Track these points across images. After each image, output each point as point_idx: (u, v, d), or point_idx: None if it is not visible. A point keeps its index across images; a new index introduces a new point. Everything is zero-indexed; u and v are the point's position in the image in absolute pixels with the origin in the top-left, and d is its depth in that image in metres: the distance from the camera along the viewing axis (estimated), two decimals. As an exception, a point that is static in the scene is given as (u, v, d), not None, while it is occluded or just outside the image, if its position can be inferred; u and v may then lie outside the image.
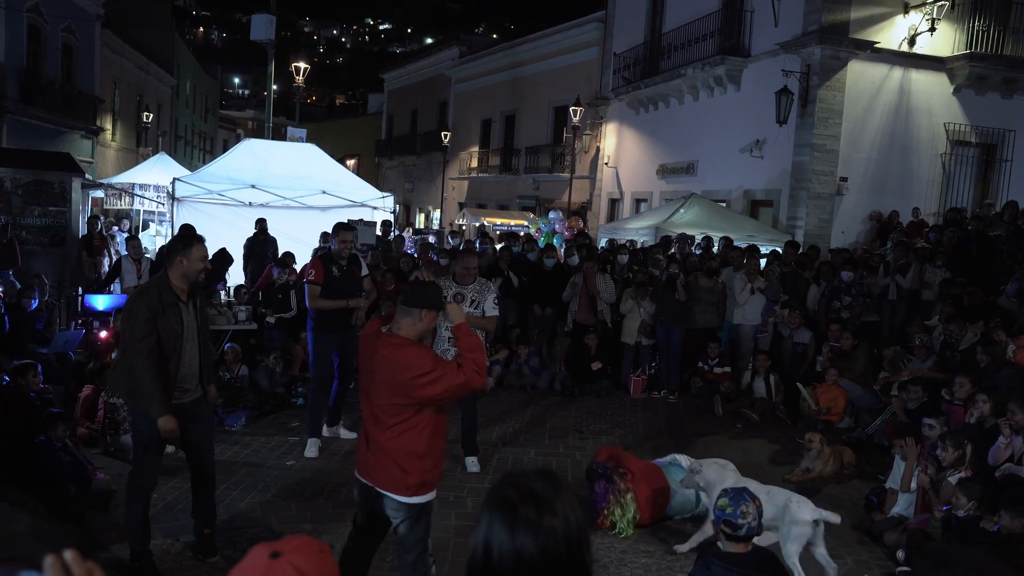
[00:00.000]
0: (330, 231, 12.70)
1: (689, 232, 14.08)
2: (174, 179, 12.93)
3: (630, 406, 9.90)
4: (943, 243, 11.89)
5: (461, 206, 33.08)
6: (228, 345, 9.25)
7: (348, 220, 12.94)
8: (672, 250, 12.58)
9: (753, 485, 5.39)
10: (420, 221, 38.34)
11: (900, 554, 5.54)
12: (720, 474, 5.75)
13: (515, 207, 29.15)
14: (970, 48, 16.10)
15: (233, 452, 7.38)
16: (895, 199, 16.13)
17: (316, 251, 12.52)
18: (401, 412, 3.86)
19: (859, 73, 15.91)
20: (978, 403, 6.69)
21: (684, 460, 6.17)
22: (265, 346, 9.93)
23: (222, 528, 5.62)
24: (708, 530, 5.41)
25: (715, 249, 13.00)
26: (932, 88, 16.39)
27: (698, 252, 12.65)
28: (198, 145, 48.61)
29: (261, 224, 12.49)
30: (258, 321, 10.13)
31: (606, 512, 5.96)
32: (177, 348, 4.76)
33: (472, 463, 7.23)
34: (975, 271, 10.98)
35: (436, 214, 36.45)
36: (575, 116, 23.77)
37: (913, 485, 6.03)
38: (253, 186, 12.89)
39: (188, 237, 5.04)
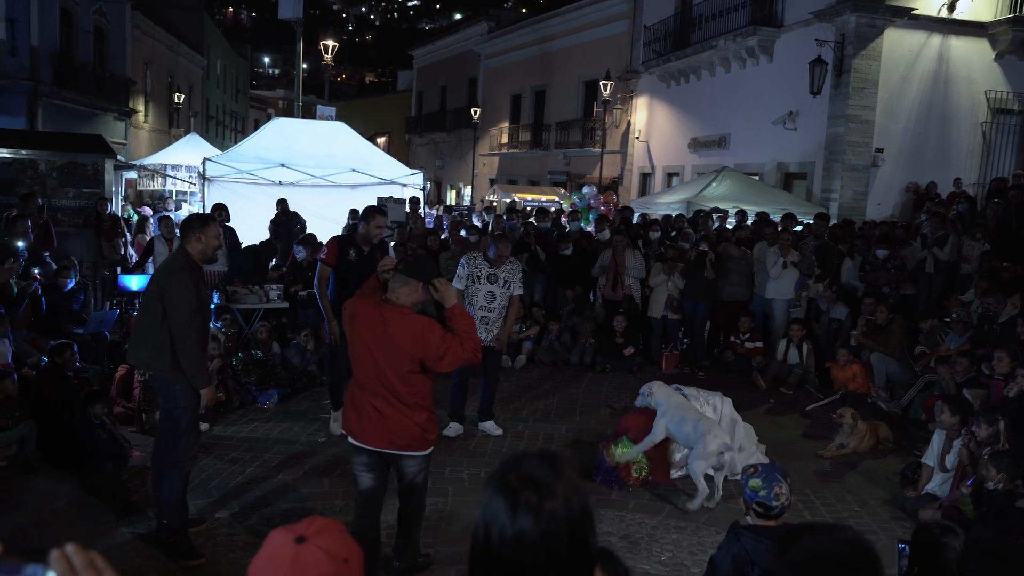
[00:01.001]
0: (359, 209, 12.89)
1: (722, 206, 13.92)
2: (205, 159, 13.03)
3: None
4: (985, 215, 11.62)
5: (492, 182, 33.01)
6: (260, 323, 9.32)
7: (378, 198, 13.05)
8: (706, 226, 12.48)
9: (681, 413, 6.22)
10: (451, 198, 38.35)
11: (936, 531, 5.45)
12: (668, 398, 6.39)
13: (546, 183, 29.03)
14: (1014, 12, 15.68)
15: (266, 429, 7.44)
16: (933, 170, 15.81)
17: (345, 230, 12.56)
18: (414, 379, 4.14)
19: (896, 41, 15.56)
20: (1018, 377, 6.54)
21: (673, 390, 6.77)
22: (297, 324, 9.99)
23: (256, 504, 5.70)
24: (703, 488, 5.90)
25: (749, 223, 12.85)
26: (972, 55, 16.00)
27: (730, 226, 12.50)
28: (229, 125, 48.95)
29: (283, 204, 12.53)
30: (290, 300, 10.19)
31: (610, 454, 6.33)
32: (208, 323, 4.96)
33: (492, 427, 7.56)
34: (1015, 243, 10.73)
35: (467, 190, 36.44)
36: (605, 90, 23.56)
37: (950, 462, 5.93)
38: (283, 165, 12.94)
39: (204, 216, 5.16)
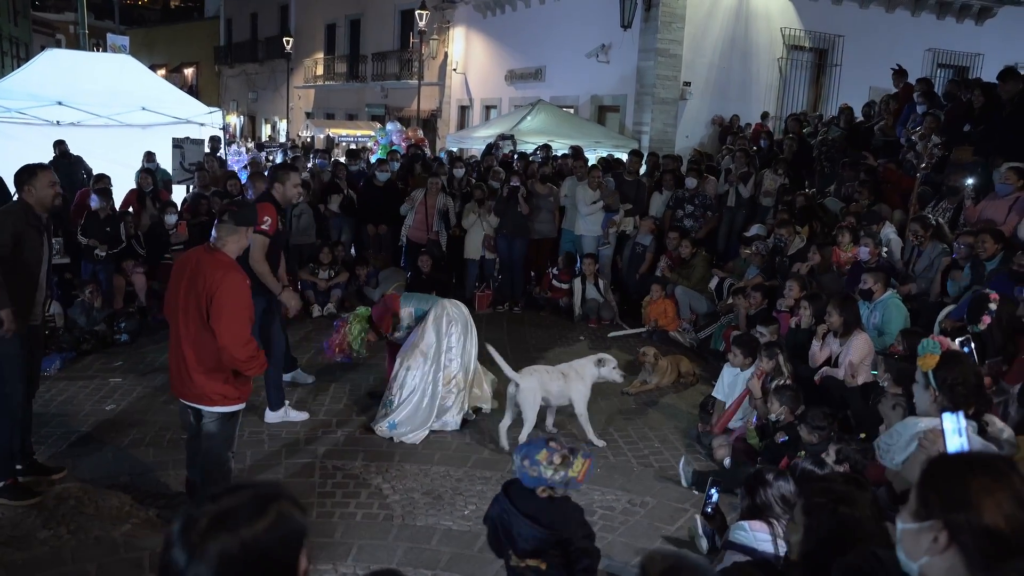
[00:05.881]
0: (154, 152, 11.90)
1: (536, 139, 13.96)
2: (-40, 97, 11.54)
3: (475, 322, 9.75)
4: (783, 150, 12.19)
5: (309, 116, 31.73)
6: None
7: (173, 138, 12.12)
8: (502, 153, 12.52)
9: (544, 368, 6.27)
10: (266, 132, 36.61)
11: (727, 461, 5.71)
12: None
13: (364, 116, 28.22)
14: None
15: (44, 401, 6.72)
16: (736, 103, 16.46)
17: (141, 173, 11.61)
18: (202, 329, 4.27)
19: (700, -23, 15.91)
20: (801, 309, 6.89)
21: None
22: (83, 280, 9.13)
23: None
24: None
25: (555, 154, 12.97)
26: (769, -8, 16.63)
27: (539, 160, 12.55)
28: (9, 52, 44.04)
29: (61, 146, 11.34)
30: (74, 253, 9.28)
31: (339, 339, 6.51)
32: (35, 269, 4.95)
33: (301, 375, 7.40)
34: (804, 175, 11.35)
35: (283, 125, 34.87)
36: (421, 20, 22.92)
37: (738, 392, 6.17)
38: (60, 103, 11.65)
39: (32, 166, 5.11)
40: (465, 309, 6.77)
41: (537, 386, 6.01)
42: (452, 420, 6.36)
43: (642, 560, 1.41)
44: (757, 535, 3.54)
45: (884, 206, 9.05)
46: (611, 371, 6.23)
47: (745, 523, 3.60)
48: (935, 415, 3.82)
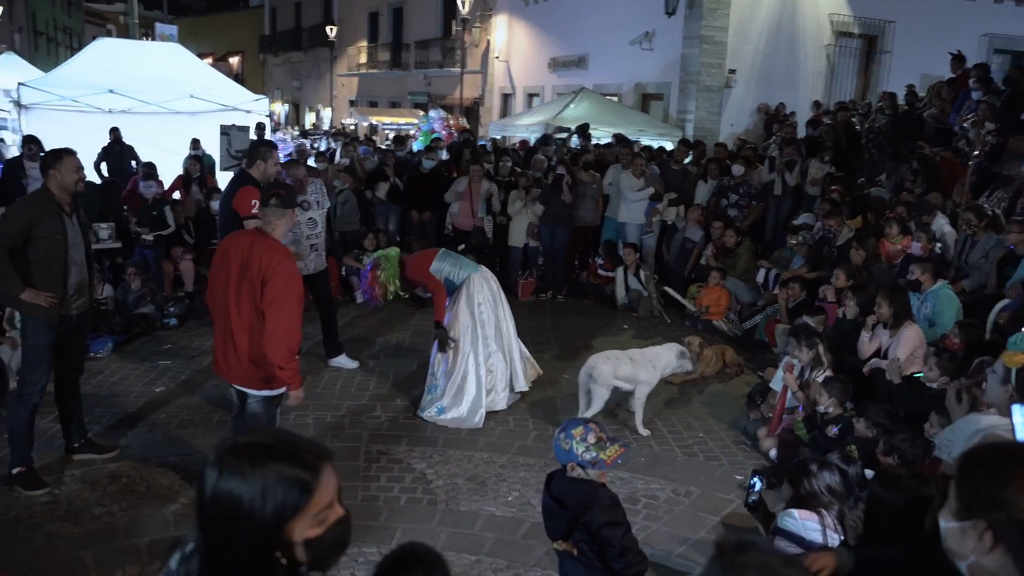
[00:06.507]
0: (200, 139, 12.06)
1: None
2: (19, 84, 11.79)
3: (517, 310, 9.69)
4: (828, 138, 11.96)
5: (352, 104, 31.92)
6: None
7: (221, 125, 12.28)
8: (553, 147, 12.44)
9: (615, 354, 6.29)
10: (309, 121, 36.92)
11: (772, 453, 5.64)
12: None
13: (407, 104, 28.30)
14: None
15: (97, 381, 6.90)
16: (782, 91, 16.21)
17: (189, 159, 11.79)
18: (255, 314, 4.29)
19: (747, -38, 15.67)
20: (847, 299, 6.77)
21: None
22: (135, 264, 9.31)
23: (76, 467, 5.28)
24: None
25: (594, 144, 12.89)
26: (817, -23, 16.33)
27: (577, 147, 12.48)
28: (64, 43, 44.87)
29: (116, 133, 11.57)
30: (126, 239, 9.46)
31: (376, 286, 6.44)
32: (62, 256, 4.84)
33: (345, 360, 7.44)
34: (846, 161, 11.14)
35: (327, 112, 35.12)
36: (464, 8, 22.88)
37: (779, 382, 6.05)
38: (112, 91, 11.87)
39: (58, 151, 5.08)
40: (493, 280, 6.64)
41: (611, 372, 6.01)
42: (500, 398, 6.39)
43: (716, 539, 1.38)
44: (806, 524, 3.49)
45: (937, 195, 8.83)
46: (685, 362, 6.37)
47: (794, 511, 3.55)
48: (1004, 411, 3.69)
